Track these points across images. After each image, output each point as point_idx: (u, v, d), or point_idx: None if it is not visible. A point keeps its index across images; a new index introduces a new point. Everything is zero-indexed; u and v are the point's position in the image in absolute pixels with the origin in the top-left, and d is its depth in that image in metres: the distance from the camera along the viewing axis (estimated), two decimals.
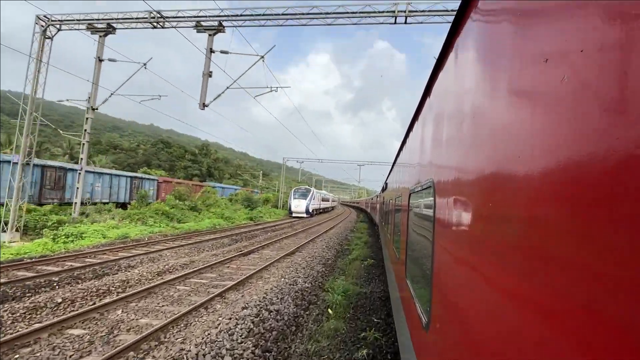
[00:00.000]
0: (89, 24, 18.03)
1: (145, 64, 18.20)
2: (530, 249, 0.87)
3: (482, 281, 1.20)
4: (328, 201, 56.89)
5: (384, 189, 12.79)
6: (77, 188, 18.64)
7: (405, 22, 15.36)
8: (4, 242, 14.13)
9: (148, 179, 32.59)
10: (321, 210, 48.45)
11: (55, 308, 6.96)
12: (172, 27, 17.01)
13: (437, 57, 2.17)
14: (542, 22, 0.91)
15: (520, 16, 1.05)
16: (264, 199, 40.17)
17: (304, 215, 36.91)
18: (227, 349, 5.48)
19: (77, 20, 17.88)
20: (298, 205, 36.58)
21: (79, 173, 18.63)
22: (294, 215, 37.11)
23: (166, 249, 13.98)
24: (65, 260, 11.18)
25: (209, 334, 5.93)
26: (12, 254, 11.38)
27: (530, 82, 0.95)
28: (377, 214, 20.91)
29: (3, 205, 15.44)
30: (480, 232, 1.27)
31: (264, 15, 16.67)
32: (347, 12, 15.92)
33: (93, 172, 25.12)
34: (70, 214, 17.86)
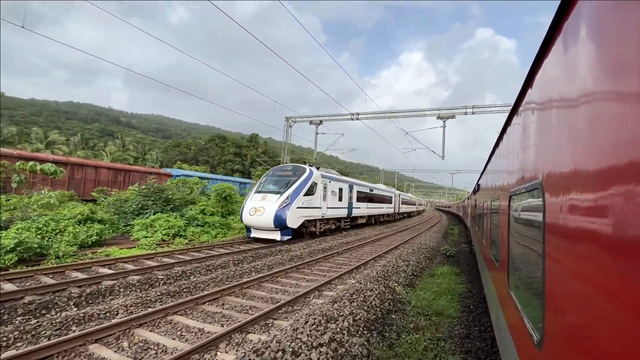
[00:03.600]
0: None
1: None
2: None
3: (611, 293, 1.08)
4: (389, 203, 31.88)
5: (475, 191, 11.64)
6: None
7: None
8: None
9: None
10: (366, 219, 24.53)
11: None
12: None
13: (540, 45, 1.98)
14: None
15: None
16: (219, 192, 18.62)
17: (276, 236, 14.07)
18: None
19: None
20: (259, 210, 13.93)
21: None
22: (253, 235, 14.63)
23: None
24: None
25: None
26: None
27: None
28: (468, 217, 19.71)
29: None
30: (607, 240, 1.11)
31: None
32: None
33: None
34: None
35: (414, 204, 56.11)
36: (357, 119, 22.93)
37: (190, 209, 16.26)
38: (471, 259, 14.63)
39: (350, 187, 21.06)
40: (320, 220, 16.89)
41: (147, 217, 13.86)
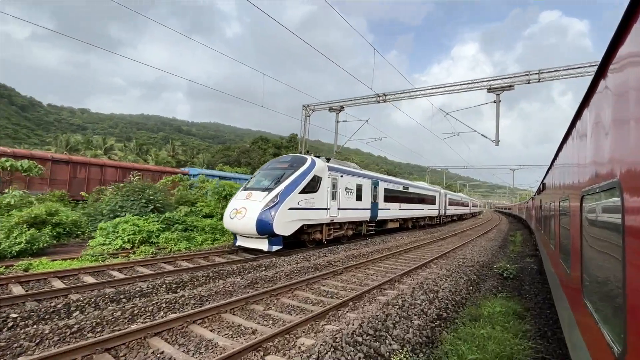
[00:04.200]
0: None
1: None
2: None
3: None
4: (431, 203, 27.02)
5: (540, 190, 10.73)
6: None
7: None
8: None
9: None
10: (399, 223, 20.47)
11: None
12: None
13: (615, 30, 1.83)
14: None
15: None
16: (219, 191, 15.96)
17: (263, 246, 10.88)
18: None
19: None
20: (240, 212, 10.89)
21: None
22: (238, 243, 11.60)
23: None
24: None
25: None
26: None
27: None
28: (532, 219, 18.11)
29: None
30: None
31: None
32: None
33: None
34: None
35: (466, 205, 49.05)
36: (385, 100, 18.82)
37: (179, 211, 13.82)
38: (542, 283, 10.02)
39: (375, 184, 17.06)
40: (328, 224, 13.28)
41: (114, 220, 11.59)
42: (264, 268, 9.16)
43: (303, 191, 11.48)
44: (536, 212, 13.84)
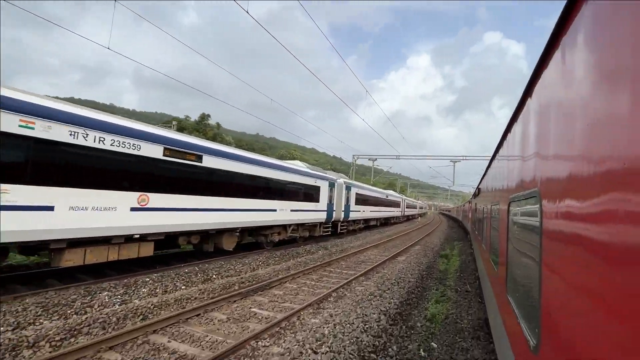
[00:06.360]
0: None
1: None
2: None
3: (600, 297, 1.11)
4: (314, 201, 16.47)
5: (476, 195, 11.95)
6: None
7: None
8: None
9: None
10: (187, 236, 9.25)
11: None
12: None
13: (540, 56, 2.03)
14: None
15: None
16: None
17: None
18: None
19: None
20: None
21: None
22: None
23: None
24: None
25: None
26: None
27: None
28: (469, 222, 19.72)
29: None
30: (601, 246, 1.12)
31: None
32: None
33: None
34: None
35: (395, 206, 39.27)
36: None
37: None
38: None
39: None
40: None
41: None
42: None
43: None
44: (472, 214, 14.71)
